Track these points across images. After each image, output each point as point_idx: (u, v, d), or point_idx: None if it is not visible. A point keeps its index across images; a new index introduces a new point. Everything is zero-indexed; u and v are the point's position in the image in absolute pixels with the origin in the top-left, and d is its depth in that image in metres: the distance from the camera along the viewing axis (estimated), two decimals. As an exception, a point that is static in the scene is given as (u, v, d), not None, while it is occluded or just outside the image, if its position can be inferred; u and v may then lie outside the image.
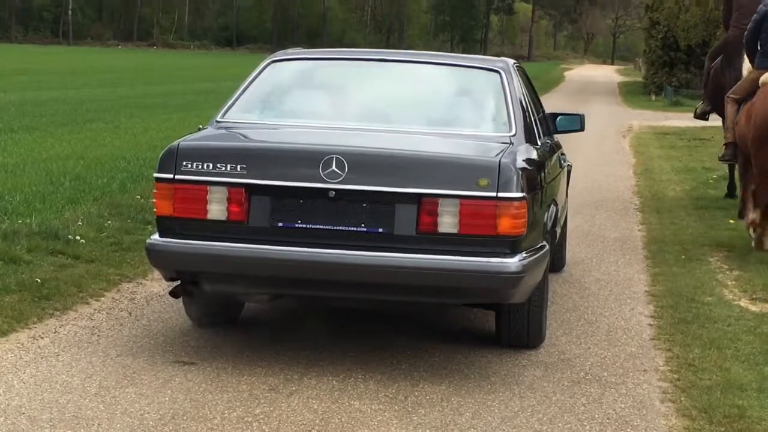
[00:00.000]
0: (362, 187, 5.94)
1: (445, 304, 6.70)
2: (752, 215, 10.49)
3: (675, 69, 50.76)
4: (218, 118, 6.86)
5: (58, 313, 7.14)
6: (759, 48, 10.52)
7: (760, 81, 10.23)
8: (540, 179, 6.51)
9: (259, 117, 6.98)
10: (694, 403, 5.90)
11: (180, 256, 6.10)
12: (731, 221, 12.25)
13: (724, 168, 14.66)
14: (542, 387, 6.14)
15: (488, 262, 5.92)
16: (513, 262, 5.94)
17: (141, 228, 9.87)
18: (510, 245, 5.97)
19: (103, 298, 7.62)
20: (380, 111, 7.07)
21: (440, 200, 5.92)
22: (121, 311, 7.35)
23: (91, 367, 6.10)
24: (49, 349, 6.39)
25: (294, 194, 6.00)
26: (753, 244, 10.51)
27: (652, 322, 7.70)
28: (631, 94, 52.45)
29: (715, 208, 13.35)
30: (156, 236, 6.19)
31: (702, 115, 14.53)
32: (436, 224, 5.93)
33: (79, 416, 5.31)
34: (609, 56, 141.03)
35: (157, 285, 8.10)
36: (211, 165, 6.04)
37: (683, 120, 29.27)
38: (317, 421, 5.40)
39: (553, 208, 7.22)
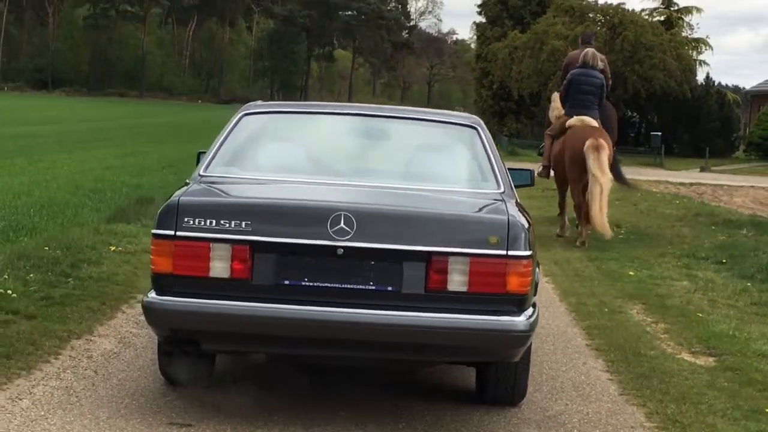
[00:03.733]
0: (371, 245, 5.85)
1: (447, 362, 6.66)
2: (566, 219, 16.37)
3: (506, 119, 51.92)
4: (201, 172, 6.68)
5: (24, 372, 6.83)
6: (568, 102, 15.27)
7: (567, 123, 15.08)
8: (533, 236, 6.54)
9: (245, 171, 6.82)
10: (700, 460, 5.97)
11: (180, 315, 5.90)
12: (631, 273, 12.52)
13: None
14: (547, 446, 6.13)
15: (498, 320, 5.89)
16: (521, 321, 5.93)
17: (63, 281, 9.56)
18: (517, 303, 5.97)
19: (61, 357, 7.33)
20: (369, 167, 7.00)
21: (450, 258, 5.87)
22: (86, 370, 7.08)
23: (87, 430, 5.85)
24: (34, 411, 6.12)
25: (301, 252, 5.87)
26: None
27: (611, 377, 7.77)
28: (461, 142, 53.17)
29: (608, 260, 13.60)
30: (153, 294, 5.99)
31: None
32: (445, 282, 5.88)
33: (105, 485, 5.08)
34: (425, 103, 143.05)
35: (106, 341, 7.86)
36: (213, 221, 5.87)
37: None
38: (348, 485, 5.29)
39: (539, 265, 7.26)
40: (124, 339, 7.97)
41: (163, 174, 22.64)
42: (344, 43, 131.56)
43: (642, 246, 15.15)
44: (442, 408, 6.73)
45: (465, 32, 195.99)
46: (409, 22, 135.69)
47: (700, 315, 10.12)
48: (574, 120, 14.93)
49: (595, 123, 14.75)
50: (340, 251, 5.84)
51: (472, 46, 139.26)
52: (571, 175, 15.18)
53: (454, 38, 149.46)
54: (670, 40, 50.62)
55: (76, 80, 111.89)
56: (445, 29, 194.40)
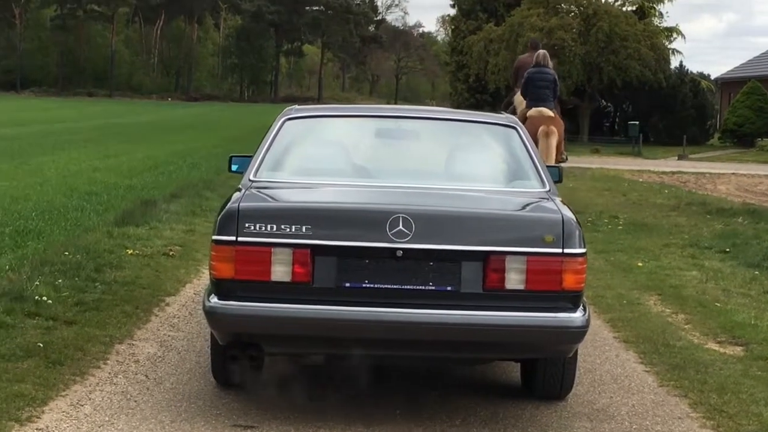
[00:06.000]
0: (429, 246, 5.96)
1: (501, 359, 6.78)
2: None
3: (481, 111, 52.07)
4: (252, 177, 6.78)
5: (78, 378, 6.92)
6: (527, 96, 16.94)
7: (527, 114, 16.60)
8: None
9: (295, 176, 6.92)
10: (754, 449, 6.10)
11: (243, 319, 5.99)
12: (640, 264, 12.68)
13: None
14: (603, 439, 6.25)
15: (556, 317, 6.02)
16: (578, 317, 6.06)
17: (92, 286, 9.62)
18: (573, 300, 6.09)
19: (109, 362, 7.41)
20: (415, 168, 7.14)
21: (507, 257, 5.99)
22: (136, 374, 7.17)
23: (156, 435, 5.95)
24: (99, 417, 6.21)
25: (360, 254, 5.98)
26: None
27: (647, 369, 7.91)
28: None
29: (615, 251, 13.75)
30: (215, 299, 6.05)
31: None
32: (503, 281, 5.99)
33: (189, 488, 5.17)
34: (393, 97, 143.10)
35: (148, 345, 7.95)
36: (274, 226, 5.97)
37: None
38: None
39: None
40: (165, 342, 8.06)
41: (152, 175, 22.62)
42: (312, 38, 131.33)
43: (644, 237, 15.34)
44: (492, 404, 6.85)
45: (431, 25, 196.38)
46: (376, 16, 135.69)
47: (718, 305, 10.29)
48: (533, 111, 16.80)
49: (550, 113, 16.73)
50: (400, 253, 5.95)
51: (439, 39, 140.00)
52: None
53: (421, 31, 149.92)
54: (643, 29, 50.93)
55: (45, 81, 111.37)
56: (411, 22, 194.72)
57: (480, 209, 6.30)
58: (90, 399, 6.54)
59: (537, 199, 6.61)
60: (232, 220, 6.02)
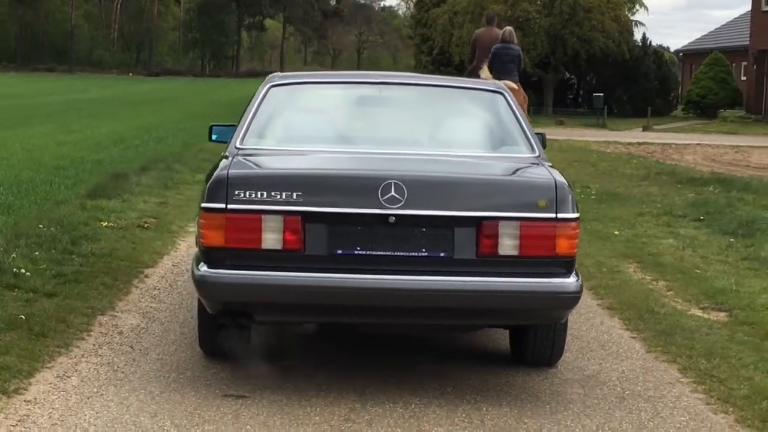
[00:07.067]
0: (422, 212, 5.89)
1: (494, 326, 6.73)
2: None
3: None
4: (238, 145, 6.67)
5: (63, 350, 6.82)
6: (494, 71, 17.16)
7: None
8: None
9: (282, 143, 6.83)
10: (748, 414, 6.08)
11: (234, 288, 5.90)
12: (616, 233, 12.67)
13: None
14: (596, 405, 6.22)
15: (549, 282, 5.97)
16: (572, 282, 6.02)
17: (69, 258, 9.50)
18: (566, 265, 6.04)
19: (93, 333, 7.31)
20: (403, 135, 7.05)
21: (500, 223, 5.92)
22: (121, 345, 7.08)
23: (146, 405, 5.86)
24: (87, 388, 6.12)
25: (352, 221, 5.90)
26: None
27: (633, 335, 7.90)
28: (402, 109, 53.21)
29: (590, 220, 13.70)
30: (205, 268, 5.95)
31: None
32: (496, 247, 5.93)
33: (185, 458, 5.10)
34: (354, 70, 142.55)
35: (131, 317, 7.86)
36: (265, 193, 5.87)
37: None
38: (421, 449, 5.35)
39: None
40: (147, 314, 7.97)
41: (119, 149, 22.39)
42: (274, 13, 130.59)
43: (617, 206, 15.35)
44: (483, 372, 6.80)
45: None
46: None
47: (698, 271, 10.29)
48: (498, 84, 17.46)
49: (513, 85, 16.68)
50: (392, 219, 5.87)
51: (401, 12, 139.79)
52: None
53: (382, 5, 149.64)
54: (607, 1, 50.92)
55: (3, 56, 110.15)
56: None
57: (473, 174, 6.23)
58: (76, 371, 6.45)
59: (528, 164, 6.55)
60: (221, 188, 5.92)
